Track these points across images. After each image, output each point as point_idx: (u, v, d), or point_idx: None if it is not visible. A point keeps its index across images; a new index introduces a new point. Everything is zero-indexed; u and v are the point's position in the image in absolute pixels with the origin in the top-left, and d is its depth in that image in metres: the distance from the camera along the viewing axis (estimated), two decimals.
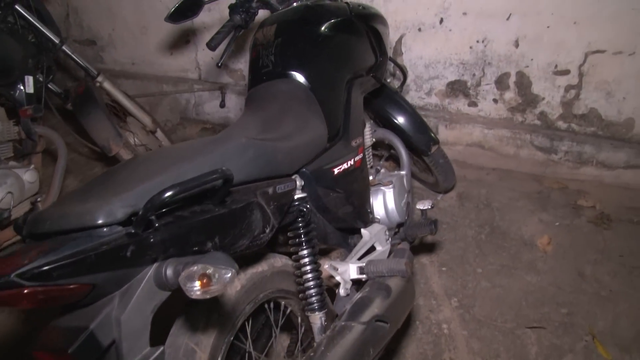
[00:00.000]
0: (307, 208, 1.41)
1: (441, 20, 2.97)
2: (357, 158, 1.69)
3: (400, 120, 2.35)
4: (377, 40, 1.85)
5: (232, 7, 1.95)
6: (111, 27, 3.96)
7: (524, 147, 3.06)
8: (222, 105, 1.94)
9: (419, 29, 3.03)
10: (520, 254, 2.50)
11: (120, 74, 4.05)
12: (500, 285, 2.35)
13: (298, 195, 1.39)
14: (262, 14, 1.97)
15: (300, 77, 1.60)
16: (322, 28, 1.67)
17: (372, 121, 2.30)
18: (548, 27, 2.79)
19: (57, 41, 2.60)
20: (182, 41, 3.70)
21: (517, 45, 2.89)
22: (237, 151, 1.14)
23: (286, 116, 1.47)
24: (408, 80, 3.18)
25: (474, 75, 3.05)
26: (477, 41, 2.95)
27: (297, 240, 1.41)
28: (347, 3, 1.83)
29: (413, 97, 3.23)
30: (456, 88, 3.12)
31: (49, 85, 2.68)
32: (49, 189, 2.48)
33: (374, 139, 2.09)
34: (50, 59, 2.62)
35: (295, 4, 1.86)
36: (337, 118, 1.64)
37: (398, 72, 2.92)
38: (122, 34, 3.94)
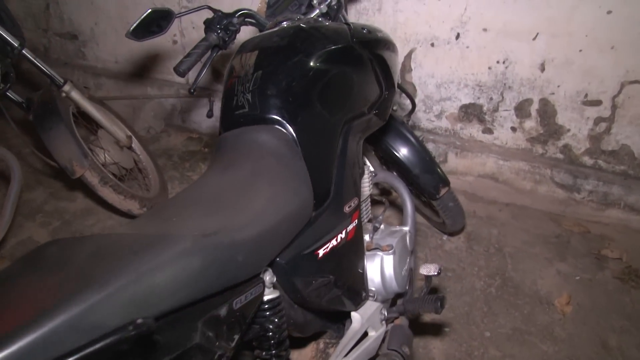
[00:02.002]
0: (279, 312, 1.09)
1: (457, 36, 2.62)
2: (350, 227, 1.36)
3: (406, 157, 2.03)
4: (383, 71, 1.52)
5: (207, 23, 1.62)
6: (93, 21, 3.61)
7: (542, 182, 2.73)
8: (210, 115, 1.66)
9: (432, 44, 2.69)
10: (535, 314, 2.18)
11: (102, 72, 3.71)
12: (511, 354, 2.03)
13: (268, 296, 1.06)
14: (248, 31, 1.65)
15: (282, 124, 1.26)
16: (315, 58, 1.33)
17: (370, 165, 1.97)
18: (580, 50, 2.45)
19: (16, 44, 2.26)
20: (169, 41, 3.36)
21: (542, 69, 2.55)
22: (177, 263, 0.81)
23: (258, 182, 1.14)
24: (416, 100, 2.84)
25: (491, 99, 2.71)
26: (497, 62, 2.61)
27: (263, 354, 1.08)
28: (348, 25, 1.49)
29: (421, 119, 2.90)
30: (470, 112, 2.78)
31: (8, 94, 2.35)
32: None
33: (372, 187, 1.76)
34: (6, 64, 2.28)
35: (285, 24, 1.52)
36: (328, 176, 1.31)
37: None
38: (105, 29, 3.60)
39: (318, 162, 1.29)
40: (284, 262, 1.13)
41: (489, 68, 2.64)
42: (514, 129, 2.74)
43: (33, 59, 2.35)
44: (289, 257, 1.14)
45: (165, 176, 3.05)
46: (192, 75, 3.11)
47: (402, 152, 2.03)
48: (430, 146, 2.87)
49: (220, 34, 1.59)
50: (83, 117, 2.59)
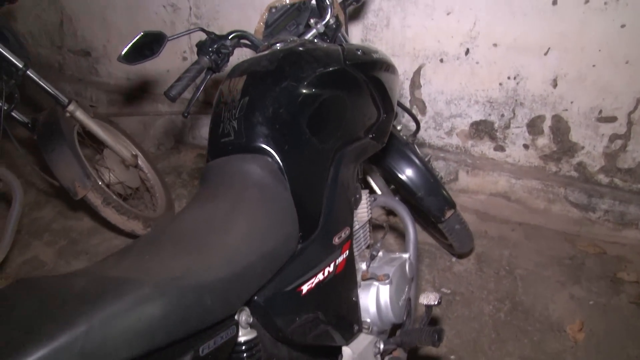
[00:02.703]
0: (256, 353, 1.03)
1: (467, 51, 2.56)
2: (339, 260, 1.31)
3: (409, 179, 1.97)
4: (380, 93, 1.46)
5: (200, 46, 1.58)
6: (106, 38, 3.63)
7: (556, 201, 2.64)
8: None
9: (441, 60, 2.63)
10: (546, 341, 2.09)
11: (115, 89, 3.72)
12: None
13: (243, 338, 1.01)
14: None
15: (269, 153, 1.21)
16: (304, 83, 1.28)
17: (375, 186, 1.92)
18: (593, 66, 2.37)
19: (20, 65, 2.26)
20: (179, 58, 3.35)
21: (555, 84, 2.47)
22: (133, 312, 0.76)
23: (238, 217, 1.09)
24: (426, 117, 2.78)
25: (502, 115, 2.63)
26: (508, 77, 2.54)
27: None
28: (341, 46, 1.44)
29: (431, 136, 2.83)
30: (481, 129, 2.71)
31: (12, 114, 2.35)
32: None
33: (371, 211, 1.70)
34: (11, 86, 2.28)
35: (278, 46, 1.47)
36: (317, 207, 1.26)
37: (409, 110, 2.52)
38: (117, 45, 3.60)
39: (306, 193, 1.24)
40: (262, 300, 1.07)
41: (500, 84, 2.57)
42: (526, 147, 2.66)
43: (37, 80, 2.35)
44: (268, 295, 1.08)
45: (174, 194, 3.03)
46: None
47: (406, 173, 1.97)
48: (440, 164, 2.80)
49: (212, 57, 1.55)
50: (89, 137, 2.58)
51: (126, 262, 0.92)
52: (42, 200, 3.09)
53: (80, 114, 2.45)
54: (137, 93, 3.64)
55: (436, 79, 2.69)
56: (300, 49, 1.37)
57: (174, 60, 3.35)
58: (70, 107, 2.42)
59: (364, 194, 1.63)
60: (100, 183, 2.39)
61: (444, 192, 2.01)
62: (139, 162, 2.86)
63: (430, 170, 2.02)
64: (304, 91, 1.27)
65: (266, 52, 1.41)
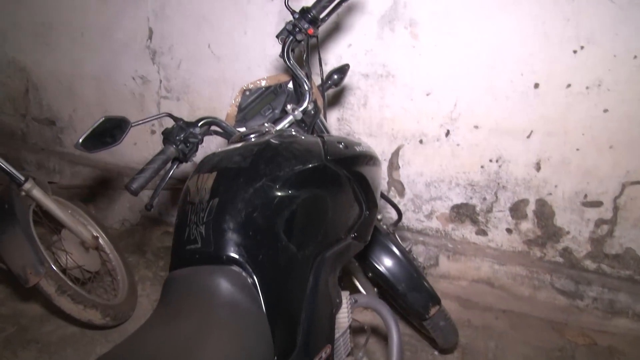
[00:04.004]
0: None
1: (447, 133, 2.47)
2: None
3: (391, 272, 1.83)
4: (363, 189, 1.33)
5: (166, 134, 1.44)
6: (72, 107, 3.48)
7: (542, 288, 2.51)
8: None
9: (420, 141, 2.54)
10: None
11: (79, 161, 3.54)
12: None
13: None
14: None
15: (240, 264, 1.06)
16: (281, 183, 1.14)
17: (348, 291, 1.76)
18: (577, 149, 2.30)
19: None
20: (147, 131, 3.21)
21: (538, 168, 2.38)
22: None
23: (203, 342, 0.93)
24: (405, 200, 2.67)
25: (484, 199, 2.53)
26: (490, 160, 2.45)
27: None
28: (321, 138, 1.32)
29: (410, 219, 2.70)
30: (462, 213, 2.60)
31: None
32: None
33: (351, 317, 1.53)
34: None
35: (252, 137, 1.34)
36: (294, 325, 1.10)
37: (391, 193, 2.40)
38: (83, 116, 3.46)
39: (282, 310, 1.08)
40: None
41: (482, 167, 2.48)
42: (509, 231, 2.55)
43: None
44: None
45: (137, 276, 2.82)
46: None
47: (387, 266, 1.83)
48: (420, 248, 2.66)
49: (179, 147, 1.40)
50: (46, 216, 2.38)
51: None
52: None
53: (37, 193, 2.27)
54: (103, 165, 3.47)
55: (415, 160, 2.59)
56: (277, 142, 1.24)
57: (142, 133, 3.21)
58: (27, 186, 2.24)
59: (345, 297, 1.47)
60: (55, 269, 2.18)
61: (428, 286, 1.87)
62: (101, 242, 2.66)
63: (413, 263, 1.87)
64: (281, 192, 1.13)
65: (239, 145, 1.27)
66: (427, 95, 2.45)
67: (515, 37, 2.25)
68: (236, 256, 1.06)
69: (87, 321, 2.27)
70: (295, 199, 1.14)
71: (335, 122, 2.67)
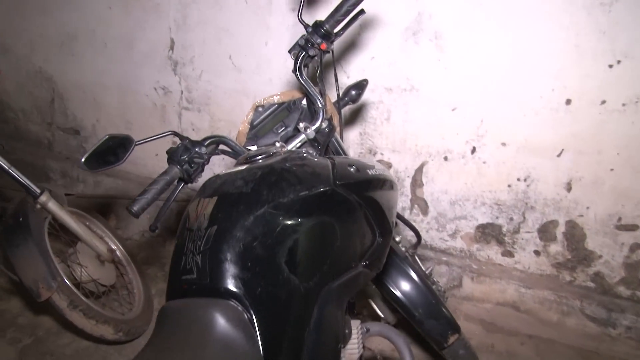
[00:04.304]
0: None
1: (473, 150, 2.37)
2: None
3: (408, 298, 1.74)
4: (376, 215, 1.25)
5: (170, 153, 1.38)
6: (95, 117, 3.48)
7: (571, 314, 2.38)
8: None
9: (445, 158, 2.44)
10: None
11: (102, 170, 3.52)
12: None
13: None
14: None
15: (237, 298, 0.99)
16: (285, 210, 1.06)
17: (359, 321, 1.68)
18: (611, 170, 2.18)
19: None
20: (169, 142, 3.18)
21: (569, 188, 2.26)
22: None
23: None
24: (428, 218, 2.57)
25: (511, 219, 2.42)
26: (518, 179, 2.34)
27: None
28: (332, 161, 1.24)
29: (434, 238, 2.60)
30: (488, 233, 2.48)
31: None
32: None
33: (362, 348, 1.45)
34: None
35: (260, 158, 1.26)
36: None
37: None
38: (106, 126, 3.45)
39: (281, 347, 1.00)
40: None
41: (509, 186, 2.37)
42: (537, 253, 2.43)
43: (7, 168, 2.15)
44: None
45: (154, 290, 2.77)
46: None
47: (404, 291, 1.74)
48: (443, 269, 2.56)
49: (184, 167, 1.34)
50: (62, 229, 2.36)
51: None
52: (10, 290, 2.83)
53: (52, 205, 2.24)
54: (124, 175, 3.45)
55: (440, 177, 2.49)
56: (282, 166, 1.16)
57: (164, 145, 3.17)
58: (42, 198, 2.21)
59: (355, 326, 1.39)
60: (67, 283, 2.15)
61: (447, 313, 1.77)
62: (118, 254, 2.64)
63: (431, 288, 1.78)
64: (284, 220, 1.06)
65: (243, 167, 1.20)
66: (453, 110, 2.35)
67: (546, 51, 2.15)
68: (233, 289, 0.99)
69: (99, 336, 2.23)
70: (299, 227, 1.07)
71: (357, 137, 2.59)
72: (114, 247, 2.63)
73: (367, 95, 2.48)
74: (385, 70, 2.42)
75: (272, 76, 2.69)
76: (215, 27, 2.79)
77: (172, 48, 2.98)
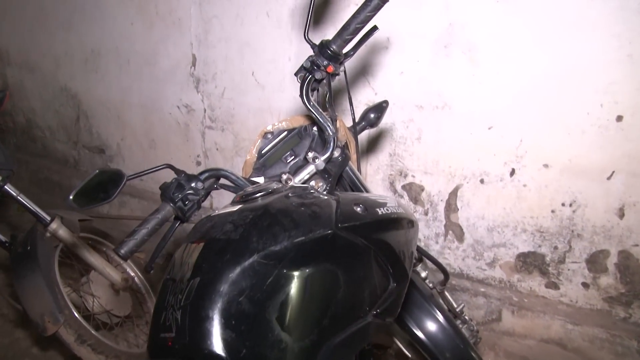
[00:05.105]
0: None
1: (512, 172, 2.21)
2: None
3: (432, 341, 1.58)
4: (389, 258, 1.12)
5: (163, 189, 1.29)
6: (120, 136, 3.45)
7: (626, 356, 2.17)
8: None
9: (482, 180, 2.28)
10: None
11: (126, 190, 3.48)
12: None
13: None
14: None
15: None
16: (277, 260, 0.94)
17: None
18: None
19: None
20: (193, 162, 3.12)
21: (621, 215, 2.07)
22: None
23: None
24: (464, 245, 2.41)
25: (555, 248, 2.23)
26: (563, 204, 2.16)
27: None
28: (336, 197, 1.12)
29: (470, 266, 2.44)
30: (530, 262, 2.31)
31: None
32: None
33: None
34: None
35: (259, 196, 1.15)
36: None
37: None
38: (131, 145, 3.42)
39: None
40: None
41: (553, 211, 2.19)
42: (585, 285, 2.23)
43: (16, 195, 2.12)
44: None
45: None
46: None
47: (428, 333, 1.58)
48: (480, 301, 2.39)
49: (177, 205, 1.25)
50: (75, 257, 2.31)
51: None
52: (23, 318, 2.81)
53: (63, 233, 2.19)
54: (150, 195, 3.41)
55: (476, 202, 2.32)
56: (277, 207, 1.05)
57: (187, 164, 3.12)
58: (52, 226, 2.17)
59: None
60: (77, 316, 2.09)
61: (477, 358, 1.62)
62: (136, 281, 2.58)
63: (460, 330, 1.63)
64: (276, 271, 0.94)
65: (236, 208, 1.10)
66: (489, 128, 2.19)
67: (594, 62, 1.96)
68: (214, 351, 0.88)
69: None
70: (293, 278, 0.95)
71: (386, 158, 2.46)
72: (132, 274, 2.58)
73: (396, 113, 2.36)
74: (415, 86, 2.28)
75: (296, 94, 2.58)
76: (238, 42, 2.71)
77: (194, 64, 2.92)
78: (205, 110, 2.97)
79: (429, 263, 1.73)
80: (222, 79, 2.84)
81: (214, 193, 1.55)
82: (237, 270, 0.94)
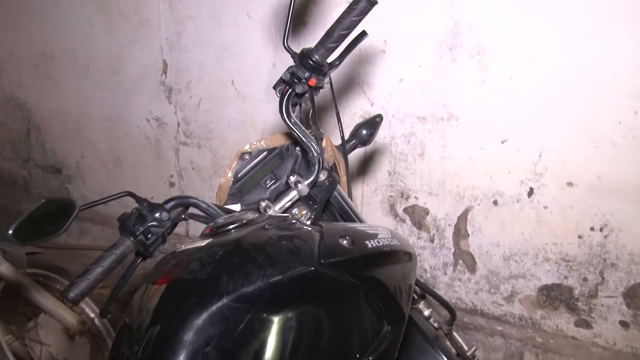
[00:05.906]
0: None
1: (530, 192, 2.25)
2: None
3: None
4: (381, 297, 1.14)
5: (122, 221, 1.31)
6: (79, 153, 3.49)
7: None
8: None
9: (495, 202, 2.32)
10: None
11: (88, 216, 3.53)
12: None
13: None
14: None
15: None
16: (248, 304, 0.97)
17: None
18: None
19: None
20: (165, 183, 3.16)
21: None
22: None
23: None
24: (477, 276, 2.44)
25: (585, 279, 2.26)
26: (592, 228, 2.20)
27: None
28: (319, 229, 1.15)
29: (485, 301, 2.47)
30: (555, 296, 2.34)
31: None
32: None
33: None
34: None
35: (233, 230, 1.17)
36: None
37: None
38: (92, 164, 3.45)
39: None
40: None
41: (580, 237, 2.22)
42: (624, 324, 2.25)
43: None
44: None
45: None
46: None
47: None
48: (497, 342, 2.41)
49: (138, 239, 1.27)
50: (21, 297, 2.32)
51: None
52: None
53: (5, 270, 2.18)
54: (114, 223, 3.43)
55: (489, 226, 2.36)
56: (251, 242, 1.07)
57: (159, 186, 3.16)
58: None
59: None
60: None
61: None
62: (97, 323, 2.59)
63: None
64: (248, 316, 0.96)
65: (205, 242, 1.13)
66: (502, 142, 2.24)
67: (624, 63, 2.00)
68: None
69: None
70: (269, 323, 0.97)
71: (385, 177, 2.50)
72: (91, 315, 2.59)
73: (395, 126, 2.41)
74: (416, 95, 2.33)
75: None
76: (215, 46, 2.75)
77: (164, 71, 2.96)
78: (179, 124, 3.01)
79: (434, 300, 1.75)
80: (197, 88, 2.88)
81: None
82: (204, 315, 0.95)
